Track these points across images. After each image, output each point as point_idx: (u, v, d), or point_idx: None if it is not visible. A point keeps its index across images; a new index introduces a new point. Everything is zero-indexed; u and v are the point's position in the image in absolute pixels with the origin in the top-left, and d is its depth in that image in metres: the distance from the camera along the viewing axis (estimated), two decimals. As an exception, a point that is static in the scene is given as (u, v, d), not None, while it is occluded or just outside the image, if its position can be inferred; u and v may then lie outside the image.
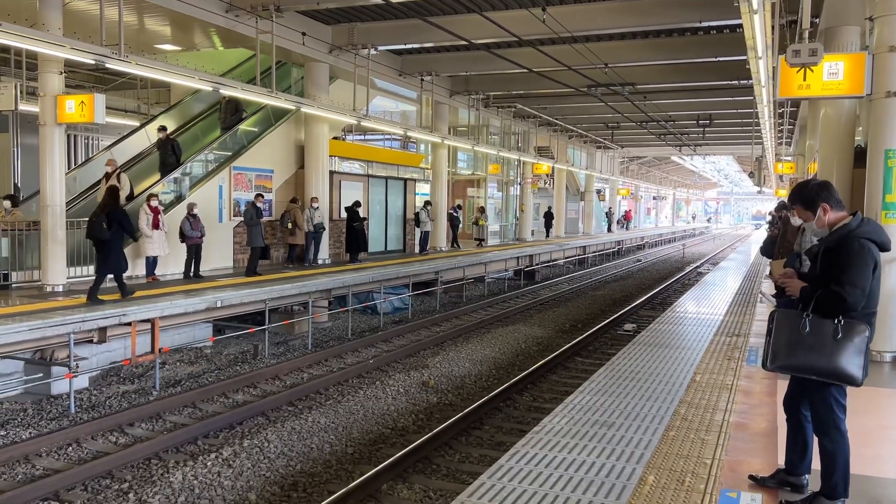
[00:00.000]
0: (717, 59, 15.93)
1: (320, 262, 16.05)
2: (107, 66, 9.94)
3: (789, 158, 26.21)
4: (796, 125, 24.60)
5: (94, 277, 10.14)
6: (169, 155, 13.97)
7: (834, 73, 7.18)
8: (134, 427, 7.93)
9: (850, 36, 9.71)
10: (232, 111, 15.60)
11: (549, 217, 31.50)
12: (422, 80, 18.17)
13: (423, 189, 21.54)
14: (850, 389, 3.62)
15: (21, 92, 11.42)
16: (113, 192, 10.26)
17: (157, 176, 14.10)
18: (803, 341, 3.51)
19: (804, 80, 7.23)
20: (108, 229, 9.69)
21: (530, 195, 29.00)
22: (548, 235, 31.14)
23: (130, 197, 12.46)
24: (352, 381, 9.98)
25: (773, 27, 9.24)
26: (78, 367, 8.60)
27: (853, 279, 3.42)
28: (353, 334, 13.34)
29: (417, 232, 20.26)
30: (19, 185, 15.18)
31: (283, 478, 6.59)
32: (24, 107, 12.36)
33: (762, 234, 29.99)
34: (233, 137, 15.56)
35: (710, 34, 15.35)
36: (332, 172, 16.83)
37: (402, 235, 20.57)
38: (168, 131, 14.62)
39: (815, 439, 3.74)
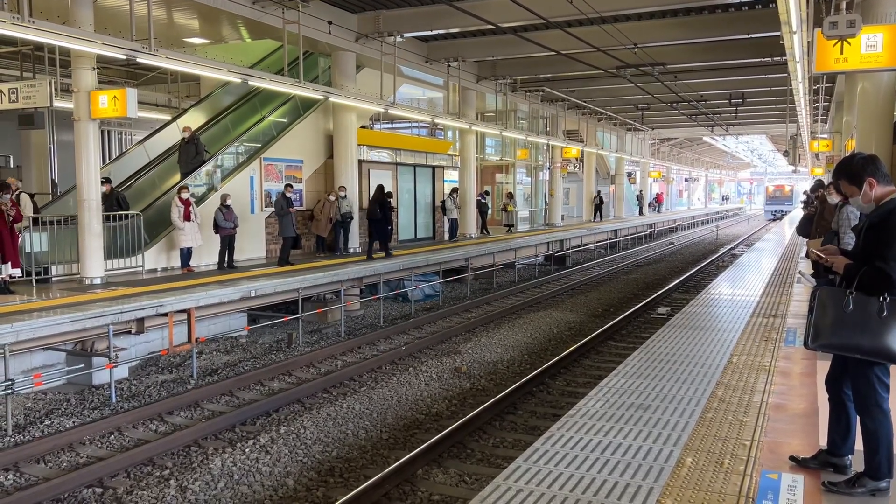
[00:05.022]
0: (750, 35, 15.58)
1: (351, 251, 16.15)
2: (138, 60, 10.08)
3: (825, 136, 25.66)
4: (832, 101, 24.05)
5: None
6: (115, 208, 12.23)
7: (872, 46, 6.98)
8: (173, 415, 8.08)
9: (888, 6, 9.41)
10: (192, 153, 13.97)
11: (599, 200, 32.13)
12: (448, 66, 18.09)
13: (452, 176, 21.51)
14: (893, 368, 3.53)
15: (55, 89, 11.58)
16: (381, 189, 14.54)
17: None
18: (847, 320, 3.41)
19: (841, 53, 7.04)
20: (378, 212, 14.25)
21: (559, 180, 28.80)
22: (600, 219, 31.61)
23: (36, 210, 11.92)
24: (385, 368, 10.05)
25: (807, 0, 9.01)
26: (118, 357, 8.77)
27: None
28: (385, 322, 13.41)
29: (445, 219, 20.27)
30: (56, 180, 15.49)
31: (320, 463, 6.67)
32: (59, 103, 12.56)
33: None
34: (264, 130, 15.66)
35: (742, 10, 15.00)
36: (360, 161, 16.89)
37: (431, 223, 20.58)
38: (112, 183, 12.70)
39: (858, 419, 3.66)
